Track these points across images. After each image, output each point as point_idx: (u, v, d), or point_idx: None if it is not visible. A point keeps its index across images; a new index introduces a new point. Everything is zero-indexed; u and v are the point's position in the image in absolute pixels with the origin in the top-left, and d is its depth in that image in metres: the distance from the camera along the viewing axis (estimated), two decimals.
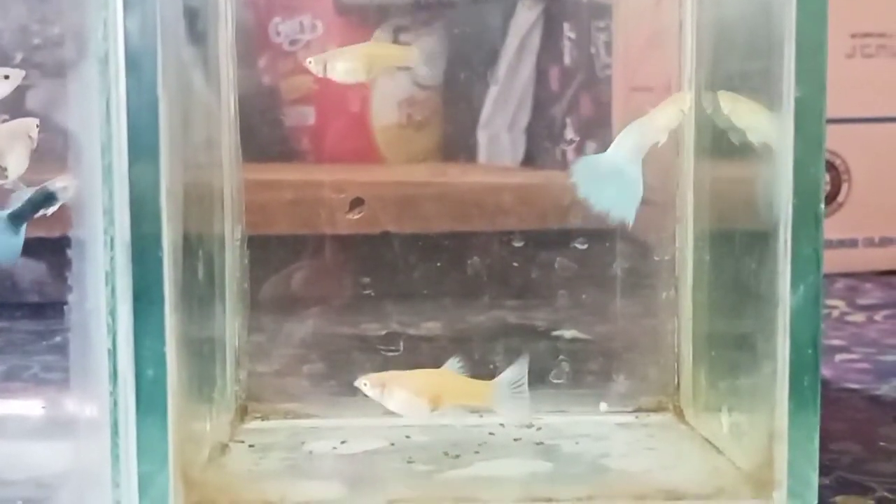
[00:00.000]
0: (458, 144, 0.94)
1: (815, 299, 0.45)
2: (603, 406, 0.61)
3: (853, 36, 1.05)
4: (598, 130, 0.84)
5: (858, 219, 1.06)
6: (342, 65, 0.55)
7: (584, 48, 0.88)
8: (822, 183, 0.45)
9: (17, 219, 0.49)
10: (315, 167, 0.95)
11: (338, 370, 0.62)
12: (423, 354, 0.64)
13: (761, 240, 0.49)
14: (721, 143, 0.56)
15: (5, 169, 0.50)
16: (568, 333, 0.67)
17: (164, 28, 0.44)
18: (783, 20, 0.45)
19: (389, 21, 0.97)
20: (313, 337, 0.64)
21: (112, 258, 0.44)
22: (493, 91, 0.95)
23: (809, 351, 0.45)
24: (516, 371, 0.52)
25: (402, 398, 0.52)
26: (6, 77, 0.49)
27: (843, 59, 1.04)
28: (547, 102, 0.95)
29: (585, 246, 0.63)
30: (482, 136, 0.96)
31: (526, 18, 0.96)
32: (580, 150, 0.89)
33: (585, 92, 0.90)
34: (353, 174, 0.89)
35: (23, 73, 0.50)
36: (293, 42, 1.00)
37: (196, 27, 0.52)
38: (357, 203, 0.66)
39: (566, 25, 0.91)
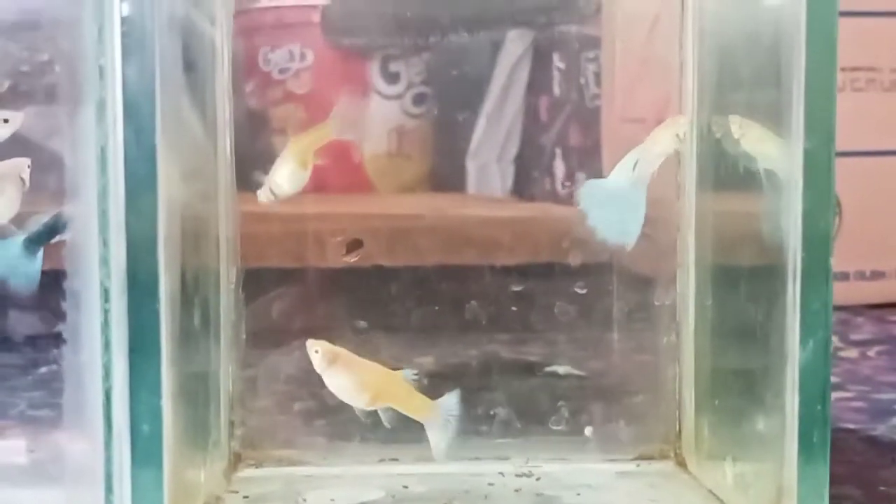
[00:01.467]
0: (447, 174, 0.94)
1: (824, 354, 0.44)
2: (588, 430, 0.60)
3: (843, 70, 1.05)
4: (587, 161, 0.84)
5: (850, 252, 1.06)
6: (282, 178, 0.55)
7: (573, 79, 0.88)
8: (832, 236, 0.45)
9: (33, 244, 0.48)
10: (304, 198, 0.94)
11: (332, 415, 0.61)
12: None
13: (767, 289, 0.48)
14: (724, 187, 0.56)
15: None
16: (562, 372, 0.67)
17: (162, 74, 0.43)
18: (791, 71, 0.45)
19: (378, 51, 0.97)
20: (307, 380, 0.63)
21: (107, 310, 0.43)
22: (481, 121, 0.95)
23: (819, 406, 0.45)
24: (456, 399, 0.52)
25: (344, 383, 0.52)
26: (5, 121, 0.49)
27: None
28: (536, 133, 0.95)
29: (584, 291, 0.63)
30: (471, 166, 0.95)
31: (515, 49, 0.96)
32: (572, 183, 0.88)
33: (574, 122, 0.90)
34: (345, 207, 0.89)
35: (22, 116, 0.49)
36: (283, 70, 0.99)
37: (194, 69, 0.51)
38: (355, 245, 0.65)
39: (555, 56, 0.91)
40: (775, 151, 0.47)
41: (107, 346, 0.43)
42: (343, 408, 0.62)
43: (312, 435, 0.61)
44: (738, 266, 0.53)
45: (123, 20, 0.42)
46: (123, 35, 0.42)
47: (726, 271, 0.55)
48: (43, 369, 0.64)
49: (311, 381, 0.62)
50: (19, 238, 0.49)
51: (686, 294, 0.59)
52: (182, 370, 0.47)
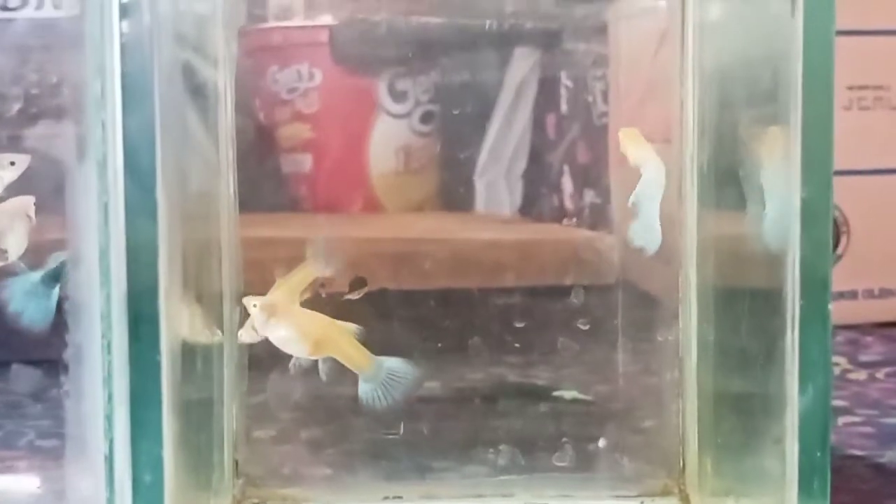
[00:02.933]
0: (455, 192, 0.94)
1: (823, 401, 0.45)
2: (602, 442, 0.60)
3: (850, 88, 1.05)
4: (595, 178, 0.84)
5: (858, 270, 1.05)
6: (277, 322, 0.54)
7: (580, 97, 0.88)
8: (830, 283, 0.45)
9: (50, 280, 0.49)
10: (312, 219, 0.94)
11: (336, 450, 0.62)
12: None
13: (767, 331, 0.48)
14: (725, 223, 0.56)
15: (5, 251, 0.49)
16: (569, 397, 0.67)
17: (163, 127, 0.44)
18: (788, 119, 0.45)
19: (386, 70, 0.97)
20: (312, 415, 0.63)
21: (109, 362, 0.43)
22: (489, 138, 0.95)
23: (818, 454, 0.45)
24: (399, 364, 0.53)
25: (286, 334, 0.52)
26: (12, 163, 0.49)
27: (841, 111, 1.04)
28: (544, 150, 0.95)
29: (587, 326, 0.63)
30: (479, 183, 0.96)
31: (522, 66, 0.96)
32: (578, 201, 0.89)
33: (582, 140, 0.90)
34: (351, 229, 0.89)
35: (28, 158, 0.49)
36: (291, 90, 0.99)
37: (196, 114, 0.52)
38: (358, 284, 0.65)
39: (563, 74, 0.91)
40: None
41: (109, 397, 0.43)
42: (349, 442, 0.62)
43: (316, 472, 0.61)
44: (739, 303, 0.53)
45: (124, 75, 0.43)
46: (124, 90, 0.42)
47: (727, 308, 0.55)
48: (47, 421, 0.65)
49: (317, 412, 0.63)
50: (37, 274, 0.49)
51: (688, 330, 0.59)
52: (184, 417, 0.47)
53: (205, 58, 0.53)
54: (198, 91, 0.52)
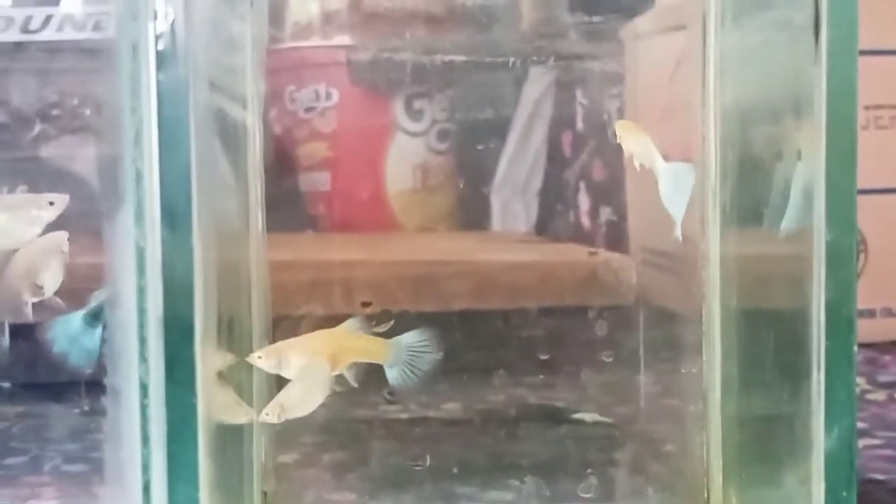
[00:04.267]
0: (471, 209, 0.95)
1: (849, 441, 0.45)
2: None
3: (867, 108, 1.05)
4: (611, 195, 0.85)
5: (876, 289, 1.06)
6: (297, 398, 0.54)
7: (596, 114, 0.89)
8: (856, 324, 0.45)
9: (94, 319, 0.49)
10: (331, 238, 0.95)
11: (363, 473, 0.62)
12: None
13: (792, 369, 0.49)
14: (749, 257, 0.56)
15: (41, 287, 0.50)
16: (589, 419, 0.67)
17: (198, 172, 0.44)
18: (812, 163, 0.45)
19: (402, 89, 0.98)
20: (334, 441, 0.64)
21: (146, 405, 0.44)
22: (505, 156, 0.96)
23: (844, 493, 0.45)
24: (415, 336, 0.52)
25: (300, 364, 0.52)
26: (51, 203, 0.50)
27: (858, 130, 1.05)
28: (559, 167, 0.96)
29: (611, 359, 0.63)
30: (495, 201, 0.96)
31: (538, 84, 0.97)
32: (594, 218, 0.89)
33: (598, 157, 0.90)
34: (371, 251, 0.90)
35: (67, 198, 0.49)
36: (308, 109, 1.00)
37: (227, 155, 0.52)
38: (383, 317, 0.65)
39: (579, 92, 0.92)
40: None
41: (145, 440, 0.44)
42: (371, 467, 0.63)
43: (339, 499, 0.61)
44: (764, 339, 0.54)
45: (160, 122, 0.43)
46: (160, 136, 0.43)
47: (752, 343, 0.56)
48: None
49: (338, 438, 0.63)
50: (78, 315, 0.49)
51: (713, 363, 0.59)
52: (219, 456, 0.48)
53: (235, 99, 0.53)
54: (228, 132, 0.52)
